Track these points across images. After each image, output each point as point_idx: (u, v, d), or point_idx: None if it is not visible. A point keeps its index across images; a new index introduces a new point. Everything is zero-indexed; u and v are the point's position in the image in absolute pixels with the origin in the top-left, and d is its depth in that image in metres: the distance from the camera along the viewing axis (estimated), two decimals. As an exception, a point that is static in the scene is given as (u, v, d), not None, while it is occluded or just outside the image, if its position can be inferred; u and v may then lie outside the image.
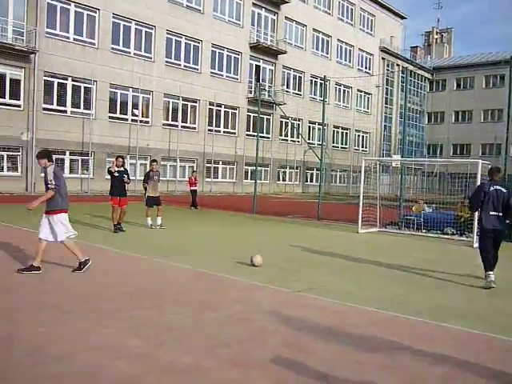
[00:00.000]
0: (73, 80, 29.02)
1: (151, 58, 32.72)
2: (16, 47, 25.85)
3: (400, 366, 4.58)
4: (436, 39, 78.90)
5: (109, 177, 12.90)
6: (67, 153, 29.07)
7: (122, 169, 12.77)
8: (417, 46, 72.19)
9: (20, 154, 27.09)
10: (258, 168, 41.05)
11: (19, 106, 26.95)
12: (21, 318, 5.48)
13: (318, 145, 46.41)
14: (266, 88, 40.87)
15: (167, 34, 33.42)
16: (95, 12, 29.76)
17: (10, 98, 26.63)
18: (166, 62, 33.53)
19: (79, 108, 29.39)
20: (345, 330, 5.55)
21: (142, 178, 15.19)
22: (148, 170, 14.41)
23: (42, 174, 8.08)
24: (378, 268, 9.57)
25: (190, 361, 4.43)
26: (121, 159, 12.84)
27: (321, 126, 45.86)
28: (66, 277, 7.61)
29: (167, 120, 34.09)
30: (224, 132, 37.96)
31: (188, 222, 17.01)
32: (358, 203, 16.46)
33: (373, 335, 5.38)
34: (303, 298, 6.93)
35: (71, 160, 29.41)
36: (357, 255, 11.01)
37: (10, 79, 26.61)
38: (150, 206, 13.85)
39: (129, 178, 12.86)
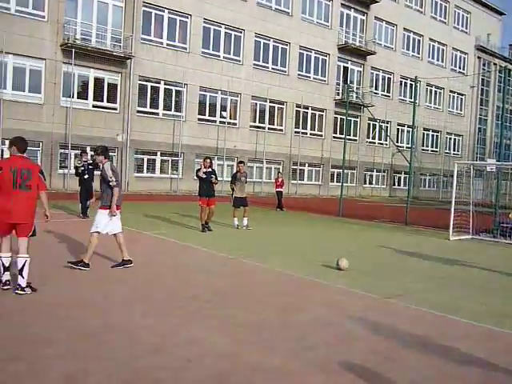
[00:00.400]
0: (165, 83, 30.15)
1: (240, 61, 33.29)
2: (114, 53, 27.26)
3: None
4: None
5: (197, 177, 13.24)
6: (158, 153, 30.24)
7: (209, 170, 13.06)
8: (516, 44, 67.97)
9: (115, 154, 28.49)
10: (345, 171, 40.85)
11: (115, 108, 28.39)
12: (116, 309, 5.76)
13: (406, 148, 45.14)
14: (354, 90, 40.27)
15: (256, 37, 33.86)
16: (187, 17, 30.74)
17: (107, 102, 28.11)
18: (254, 64, 33.97)
19: (170, 110, 30.49)
20: (437, 341, 5.32)
21: (229, 178, 15.46)
22: (235, 171, 14.64)
23: (98, 172, 8.09)
24: (471, 278, 9.11)
25: (277, 362, 4.44)
26: (208, 160, 13.13)
27: (410, 129, 44.72)
28: (156, 271, 7.90)
29: (254, 122, 34.53)
30: (311, 134, 37.85)
31: (274, 223, 17.12)
32: (448, 209, 15.79)
33: (467, 349, 5.12)
34: (392, 305, 6.74)
35: (162, 160, 30.55)
36: (448, 263, 10.56)
37: (108, 83, 28.11)
38: (237, 206, 14.07)
39: (216, 179, 13.14)
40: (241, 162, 14.58)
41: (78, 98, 27.03)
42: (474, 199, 16.51)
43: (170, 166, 30.84)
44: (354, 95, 40.17)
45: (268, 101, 34.55)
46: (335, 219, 19.39)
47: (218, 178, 13.66)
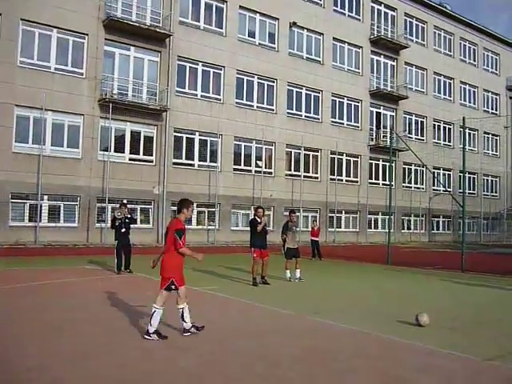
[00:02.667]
0: (200, 134, 30.17)
1: (273, 110, 33.28)
2: (150, 106, 27.48)
3: None
4: None
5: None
6: (194, 205, 29.92)
7: (261, 220, 12.52)
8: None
9: (152, 207, 28.27)
10: (382, 217, 39.97)
11: (151, 161, 28.38)
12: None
13: (443, 191, 44.14)
14: (388, 134, 39.79)
15: (288, 85, 33.95)
16: (220, 69, 31.04)
17: (143, 154, 28.15)
18: (288, 113, 33.92)
19: (206, 161, 30.37)
20: None
21: (280, 229, 14.84)
22: (286, 220, 14.06)
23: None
24: None
25: None
26: (261, 210, 12.59)
27: (446, 171, 43.88)
28: (226, 334, 7.24)
29: (290, 170, 34.16)
30: (346, 181, 37.24)
31: (323, 273, 16.33)
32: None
33: None
34: (500, 369, 5.91)
35: (198, 212, 30.20)
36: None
37: (144, 136, 28.23)
38: (289, 258, 13.41)
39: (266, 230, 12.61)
40: (292, 212, 13.98)
41: (114, 151, 27.11)
42: None
43: (206, 217, 30.45)
44: (388, 140, 39.76)
45: (302, 149, 34.25)
46: (385, 267, 18.50)
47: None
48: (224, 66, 31.05)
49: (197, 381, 5.19)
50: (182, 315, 6.84)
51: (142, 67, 28.31)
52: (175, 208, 28.90)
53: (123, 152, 27.60)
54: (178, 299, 6.84)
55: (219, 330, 7.54)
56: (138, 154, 28.06)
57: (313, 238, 21.56)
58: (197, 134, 30.09)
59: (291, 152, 34.32)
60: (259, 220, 12.42)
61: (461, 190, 45.02)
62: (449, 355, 6.43)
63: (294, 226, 13.77)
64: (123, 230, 13.83)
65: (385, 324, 8.20)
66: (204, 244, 28.59)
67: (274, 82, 33.32)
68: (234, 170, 31.48)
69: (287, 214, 14.46)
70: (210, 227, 30.09)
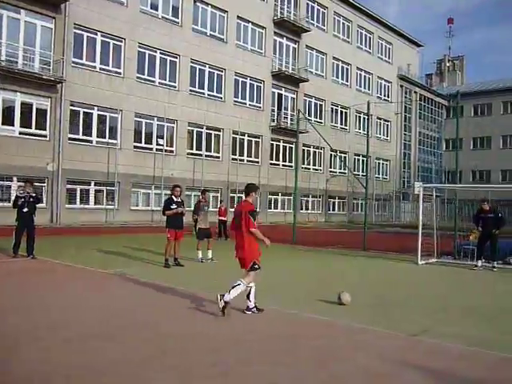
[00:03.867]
0: (98, 109, 28.62)
1: (175, 87, 32.40)
2: (43, 77, 25.51)
3: None
4: (448, 67, 78.95)
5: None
6: (92, 183, 28.48)
7: (179, 200, 12.02)
8: (431, 74, 72.17)
9: (45, 185, 26.46)
10: (282, 197, 40.73)
11: (45, 135, 26.48)
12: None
13: (339, 173, 45.89)
14: (289, 116, 40.47)
15: (191, 62, 33.17)
16: (121, 41, 29.55)
17: (36, 129, 26.17)
18: (191, 90, 33.20)
19: (105, 138, 28.93)
20: None
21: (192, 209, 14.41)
22: (198, 200, 13.66)
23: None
24: (474, 305, 8.69)
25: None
26: (179, 189, 12.07)
27: (342, 154, 45.55)
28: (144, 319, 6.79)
29: (191, 149, 33.57)
30: (247, 161, 37.37)
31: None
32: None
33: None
34: (427, 344, 6.05)
35: (96, 191, 28.78)
36: (438, 290, 10.20)
37: (37, 109, 26.20)
38: (201, 238, 13.07)
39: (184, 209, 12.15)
40: (204, 192, 13.61)
41: (2, 124, 24.94)
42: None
43: (104, 196, 29.09)
44: (289, 122, 40.45)
45: (205, 127, 33.77)
46: (291, 247, 18.74)
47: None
48: (124, 39, 29.59)
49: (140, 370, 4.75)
50: (249, 294, 7.13)
51: (34, 33, 26.09)
52: (71, 186, 27.38)
53: (12, 125, 25.44)
54: (246, 278, 7.09)
55: (143, 314, 7.08)
56: (30, 128, 26.01)
57: (220, 218, 21.33)
58: (95, 108, 28.50)
59: (193, 131, 33.72)
60: (175, 199, 11.91)
61: (356, 172, 47.44)
62: (376, 332, 6.50)
63: (206, 205, 13.42)
64: (25, 209, 12.60)
65: (307, 304, 8.17)
66: (102, 224, 27.34)
67: (176, 57, 32.38)
68: (135, 147, 30.32)
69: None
70: (108, 207, 28.81)
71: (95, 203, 28.67)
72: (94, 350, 5.33)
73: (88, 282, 9.68)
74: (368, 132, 19.99)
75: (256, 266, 7.15)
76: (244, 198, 7.55)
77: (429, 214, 16.34)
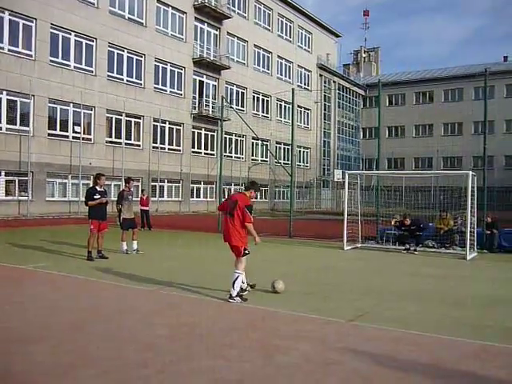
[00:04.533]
0: (8, 94, 26.76)
1: (92, 72, 30.94)
2: None
3: None
4: (364, 58, 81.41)
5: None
6: (2, 173, 26.68)
7: (102, 189, 11.36)
8: (348, 64, 74.08)
9: (-51, 175, 24.46)
10: (205, 186, 40.31)
11: None
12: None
13: (261, 161, 46.09)
14: (210, 104, 40.02)
15: (109, 47, 31.80)
16: (31, 22, 27.72)
17: None
18: (109, 76, 31.86)
19: (15, 124, 27.13)
20: (446, 365, 4.71)
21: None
22: (122, 189, 13.04)
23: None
24: (406, 288, 8.87)
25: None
26: (104, 177, 11.38)
27: (264, 143, 45.69)
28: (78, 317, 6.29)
29: (110, 137, 32.30)
30: (169, 149, 36.57)
31: (160, 244, 15.67)
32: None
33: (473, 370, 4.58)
34: (365, 329, 6.03)
35: (7, 181, 26.98)
36: (368, 275, 10.38)
37: None
38: (126, 229, 12.49)
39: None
40: (129, 180, 12.99)
41: None
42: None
43: (17, 186, 27.33)
44: (210, 109, 40.00)
45: (124, 115, 32.58)
46: (217, 236, 18.45)
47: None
48: (35, 18, 27.78)
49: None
50: (235, 281, 7.20)
51: None
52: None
53: None
54: (239, 265, 7.34)
55: (69, 312, 6.55)
56: None
57: (142, 208, 20.62)
58: (4, 93, 26.64)
59: (112, 118, 32.45)
60: (99, 189, 11.24)
61: (276, 161, 47.86)
62: (315, 320, 6.41)
63: (130, 194, 12.84)
64: None
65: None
66: (15, 216, 25.72)
67: (93, 41, 30.91)
68: (49, 135, 28.70)
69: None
70: (21, 198, 27.11)
71: (7, 194, 26.89)
72: (15, 353, 4.81)
73: (5, 279, 8.91)
74: (293, 120, 19.91)
75: (247, 252, 7.43)
76: (244, 190, 7.77)
77: (350, 200, 16.56)
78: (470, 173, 13.12)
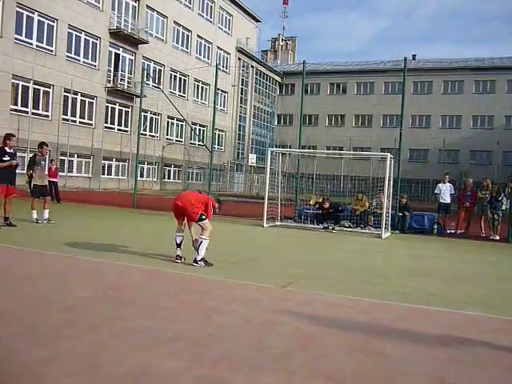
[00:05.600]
0: None
1: (-2, 34, 28.67)
2: None
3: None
4: (282, 46, 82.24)
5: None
6: None
7: (12, 151, 10.45)
8: (267, 51, 74.50)
9: None
10: (117, 163, 38.91)
11: None
12: None
13: (176, 141, 45.30)
14: (126, 78, 38.59)
15: (17, 7, 29.53)
16: None
17: None
18: (16, 39, 29.60)
19: None
20: (380, 323, 4.76)
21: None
22: (34, 153, 12.12)
23: None
24: (328, 260, 8.99)
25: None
26: (14, 138, 10.46)
27: (179, 122, 44.93)
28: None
29: (16, 105, 30.15)
30: (80, 123, 34.81)
31: (72, 215, 14.82)
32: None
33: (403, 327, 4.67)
34: (298, 294, 6.00)
35: None
36: (288, 248, 10.46)
37: None
38: (37, 196, 11.64)
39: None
40: (42, 145, 11.90)
41: None
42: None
43: None
44: (126, 84, 38.57)
45: (32, 82, 30.51)
46: (132, 211, 17.86)
47: None
48: None
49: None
50: (199, 245, 7.27)
51: None
52: None
53: None
54: (204, 232, 7.37)
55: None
56: None
57: (51, 179, 19.40)
58: None
59: (18, 84, 30.27)
60: (8, 150, 10.33)
61: (192, 141, 47.32)
62: (247, 285, 6.28)
63: (43, 159, 11.98)
64: None
65: (165, 262, 7.62)
66: None
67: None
68: None
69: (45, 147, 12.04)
70: None
71: None
72: None
73: None
74: (215, 102, 19.97)
75: (203, 217, 7.40)
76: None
77: (271, 181, 16.56)
78: (389, 155, 13.56)
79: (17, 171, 10.69)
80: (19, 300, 4.90)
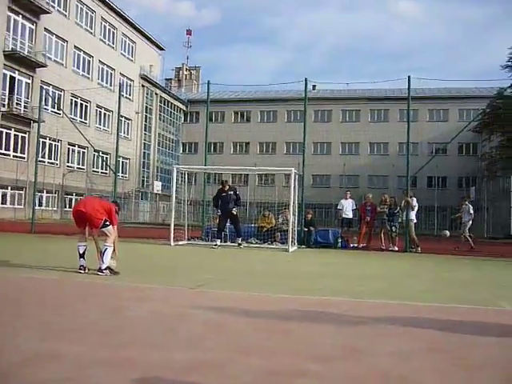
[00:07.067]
0: None
1: None
2: None
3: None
4: (186, 75, 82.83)
5: None
6: None
7: None
8: (171, 79, 74.63)
9: None
10: (12, 191, 36.77)
11: None
12: None
13: (77, 168, 43.78)
14: (22, 102, 36.91)
15: None
16: None
17: None
18: None
19: None
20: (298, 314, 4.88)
21: None
22: None
23: None
24: (237, 268, 9.06)
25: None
26: None
27: (81, 149, 43.56)
28: None
29: None
30: (-29, 148, 32.70)
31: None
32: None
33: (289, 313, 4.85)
34: (208, 293, 6.02)
35: None
36: (194, 260, 10.45)
37: None
38: None
39: None
40: None
41: None
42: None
43: None
44: (22, 109, 36.89)
45: None
46: (35, 236, 16.96)
47: None
48: None
49: None
50: (104, 253, 7.04)
51: None
52: None
53: None
54: (108, 239, 7.19)
55: None
56: None
57: None
58: None
59: None
60: None
61: (95, 169, 45.92)
62: (156, 288, 6.23)
63: None
64: None
65: (68, 273, 7.30)
66: None
67: None
68: None
69: None
70: None
71: None
72: None
73: None
74: (118, 129, 19.59)
75: (107, 223, 7.23)
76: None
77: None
78: (293, 169, 13.98)
79: None
80: None
